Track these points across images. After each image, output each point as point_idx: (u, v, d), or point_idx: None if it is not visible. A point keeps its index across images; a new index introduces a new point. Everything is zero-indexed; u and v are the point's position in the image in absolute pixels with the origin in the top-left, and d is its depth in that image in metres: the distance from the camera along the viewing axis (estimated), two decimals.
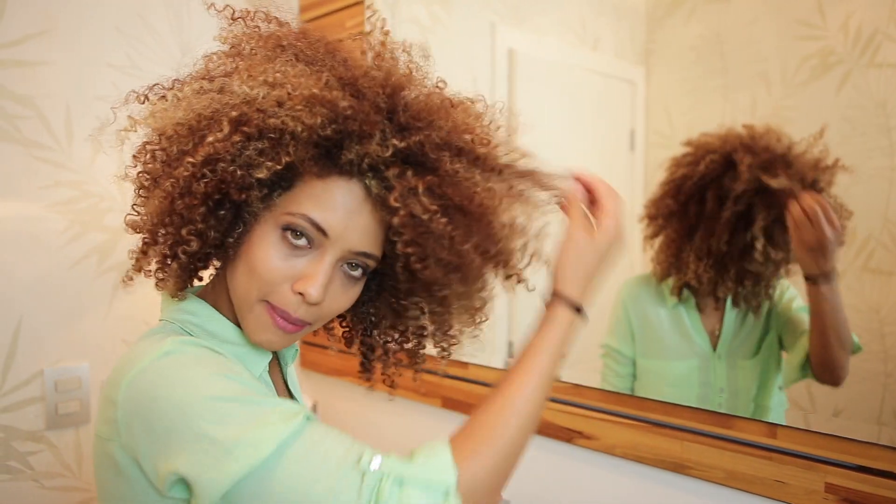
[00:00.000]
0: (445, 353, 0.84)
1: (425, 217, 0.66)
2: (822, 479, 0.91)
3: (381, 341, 0.85)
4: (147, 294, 1.58)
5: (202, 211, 0.66)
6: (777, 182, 1.02)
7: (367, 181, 0.67)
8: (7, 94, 1.38)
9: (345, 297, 0.72)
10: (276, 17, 0.75)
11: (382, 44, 0.74)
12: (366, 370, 0.88)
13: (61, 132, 1.45)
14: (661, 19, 1.21)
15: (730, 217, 1.08)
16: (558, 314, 0.74)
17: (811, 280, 0.99)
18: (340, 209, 0.67)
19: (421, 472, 0.60)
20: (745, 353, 1.12)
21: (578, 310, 0.75)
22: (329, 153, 0.66)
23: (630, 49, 1.28)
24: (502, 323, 1.46)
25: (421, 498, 0.59)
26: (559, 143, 1.39)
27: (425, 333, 0.83)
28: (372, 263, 0.72)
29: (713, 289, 1.13)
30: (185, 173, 0.65)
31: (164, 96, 0.71)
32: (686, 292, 1.17)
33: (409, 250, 0.68)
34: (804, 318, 1.03)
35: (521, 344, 0.74)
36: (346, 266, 0.71)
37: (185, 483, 0.62)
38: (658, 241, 1.18)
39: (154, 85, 0.74)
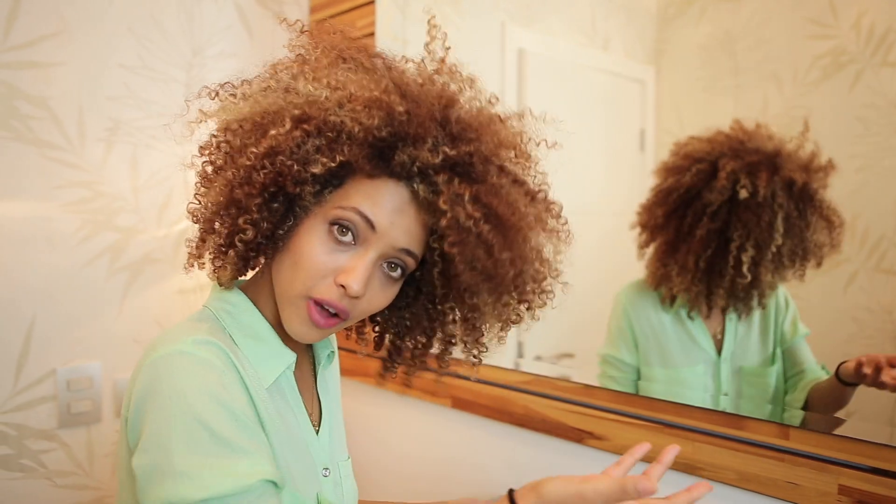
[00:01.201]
0: (476, 360, 0.85)
1: (469, 223, 0.69)
2: (836, 481, 0.90)
3: (411, 345, 0.87)
4: (159, 293, 1.59)
5: (258, 201, 0.70)
6: (747, 190, 1.02)
7: (415, 184, 0.71)
8: (20, 94, 1.39)
9: (383, 295, 0.76)
10: (342, 31, 0.79)
11: (441, 60, 0.78)
12: (388, 370, 0.90)
13: (73, 133, 1.46)
14: (672, 19, 1.21)
15: (705, 234, 1.07)
16: None
17: (846, 384, 0.97)
18: (388, 206, 0.71)
19: None
20: (750, 359, 1.11)
21: None
22: (382, 154, 0.70)
23: (640, 49, 1.28)
24: None
25: None
26: (569, 143, 1.39)
27: (454, 340, 0.85)
28: (412, 263, 0.75)
29: (705, 300, 1.12)
30: (247, 163, 0.69)
31: (233, 94, 0.75)
32: (679, 300, 1.16)
33: (454, 250, 0.71)
34: (804, 351, 1.04)
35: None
36: (386, 266, 0.74)
37: None
38: (650, 250, 1.18)
39: (225, 83, 0.77)
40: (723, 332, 1.14)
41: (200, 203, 0.76)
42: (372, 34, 1.62)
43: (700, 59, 1.16)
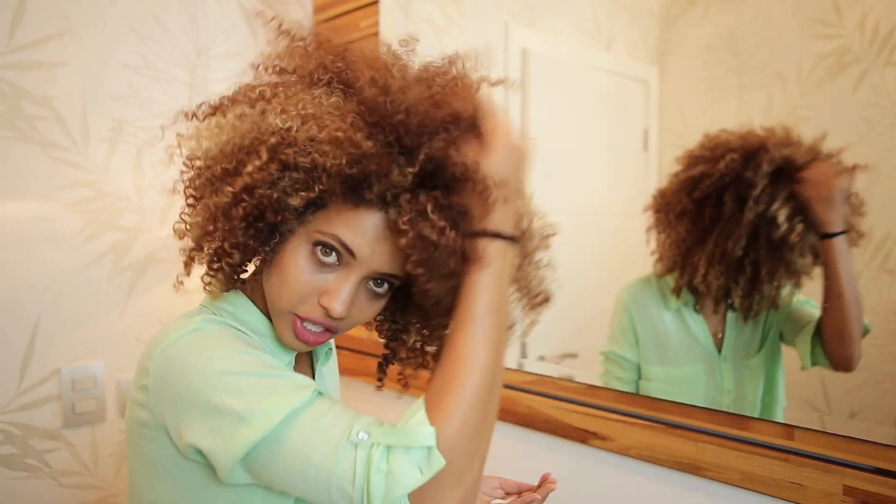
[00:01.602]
0: None
1: (434, 235, 0.68)
2: (840, 482, 0.90)
3: (408, 344, 0.87)
4: (161, 293, 1.59)
5: (242, 227, 0.71)
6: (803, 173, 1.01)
7: (389, 211, 0.70)
8: (25, 94, 1.39)
9: (369, 310, 0.77)
10: (328, 39, 0.77)
11: (393, 55, 0.75)
12: (382, 371, 0.91)
13: (77, 132, 1.46)
14: (675, 19, 1.21)
15: (752, 219, 1.05)
16: (482, 247, 0.69)
17: (826, 237, 0.99)
18: (369, 234, 0.71)
19: (402, 437, 0.63)
20: (749, 352, 1.11)
21: (503, 237, 0.70)
22: (357, 186, 0.69)
23: (644, 49, 1.28)
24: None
25: (405, 462, 0.62)
26: (572, 143, 1.39)
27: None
28: (396, 282, 0.76)
29: (723, 295, 1.11)
30: (225, 199, 0.69)
31: (212, 113, 0.75)
32: (685, 293, 1.16)
33: (418, 271, 0.70)
34: (807, 310, 1.03)
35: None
36: (371, 283, 0.74)
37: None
38: (664, 237, 1.16)
39: (202, 103, 0.77)
40: (723, 331, 1.14)
41: (186, 223, 0.77)
42: (375, 34, 1.62)
43: (704, 58, 1.16)
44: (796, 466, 0.94)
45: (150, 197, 1.57)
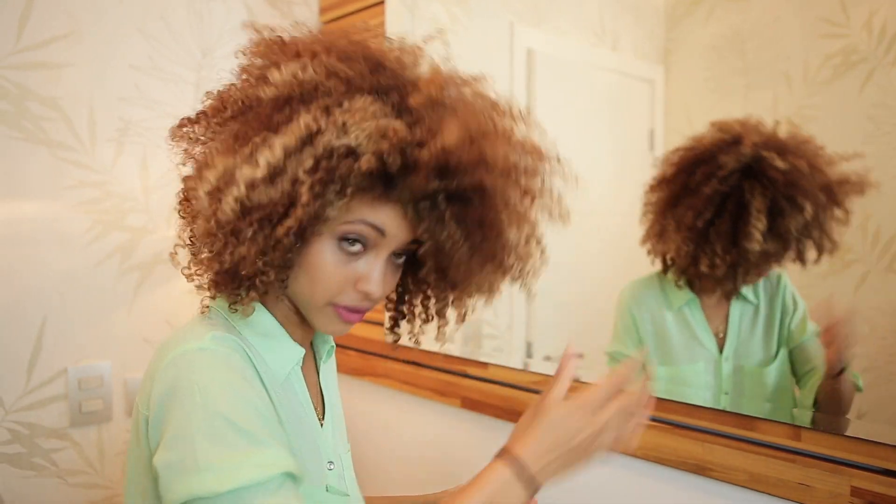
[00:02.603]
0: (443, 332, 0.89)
1: (449, 243, 0.74)
2: (848, 483, 0.90)
3: (413, 303, 0.90)
4: (169, 293, 1.60)
5: (285, 247, 0.71)
6: (782, 162, 1.01)
7: (407, 207, 0.73)
8: (33, 95, 1.40)
9: (393, 280, 0.80)
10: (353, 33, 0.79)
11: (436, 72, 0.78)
12: (395, 333, 0.93)
13: (84, 133, 1.47)
14: (681, 18, 1.20)
15: (711, 193, 1.07)
16: (498, 470, 0.74)
17: (831, 376, 1.01)
18: (392, 213, 0.74)
19: None
20: (752, 357, 1.11)
21: (525, 477, 0.74)
22: (386, 180, 0.71)
23: (649, 48, 1.28)
24: (521, 324, 1.46)
25: None
26: (578, 143, 1.39)
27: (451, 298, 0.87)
28: (415, 247, 0.79)
29: (692, 264, 1.12)
30: (280, 234, 0.69)
31: (218, 122, 0.77)
32: (686, 290, 1.17)
33: (429, 263, 0.77)
34: (814, 349, 1.04)
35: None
36: (393, 256, 0.78)
37: None
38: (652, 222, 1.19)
39: (200, 112, 0.81)
40: (725, 331, 1.14)
41: (216, 255, 0.74)
42: (381, 34, 1.62)
43: (709, 58, 1.16)
44: (803, 467, 0.94)
45: (157, 197, 1.57)
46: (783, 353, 1.08)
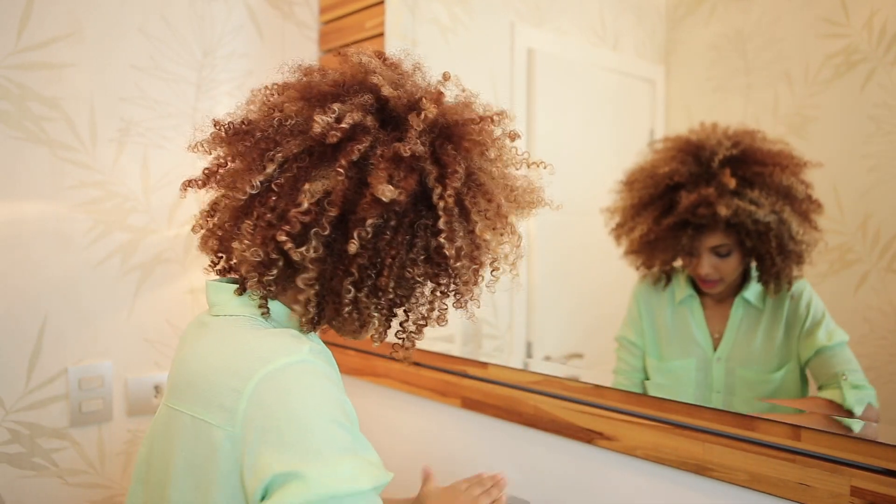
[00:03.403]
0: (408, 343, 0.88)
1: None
2: (848, 483, 0.90)
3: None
4: (170, 293, 1.60)
5: None
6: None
7: None
8: (34, 95, 1.40)
9: None
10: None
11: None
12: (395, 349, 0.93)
13: (85, 133, 1.47)
14: (682, 18, 1.20)
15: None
16: None
17: None
18: None
19: None
20: (749, 361, 1.11)
21: None
22: None
23: (650, 48, 1.28)
24: (521, 324, 1.46)
25: None
26: (578, 143, 1.39)
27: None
28: None
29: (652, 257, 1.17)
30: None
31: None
32: (688, 286, 1.17)
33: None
34: (837, 360, 1.01)
35: None
36: None
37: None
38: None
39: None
40: (722, 332, 1.14)
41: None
42: (381, 34, 1.62)
43: (710, 58, 1.16)
44: (804, 467, 0.94)
45: (159, 197, 1.57)
46: (792, 364, 1.06)
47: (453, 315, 0.84)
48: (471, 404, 1.41)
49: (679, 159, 1.09)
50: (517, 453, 1.33)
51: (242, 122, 0.81)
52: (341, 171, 0.73)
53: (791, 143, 1.04)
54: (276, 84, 0.83)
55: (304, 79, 0.82)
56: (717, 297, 1.15)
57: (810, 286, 1.05)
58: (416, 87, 0.81)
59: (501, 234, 0.79)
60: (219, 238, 0.83)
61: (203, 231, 0.85)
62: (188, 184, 0.84)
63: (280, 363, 0.69)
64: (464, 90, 0.84)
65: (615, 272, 1.27)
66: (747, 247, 1.06)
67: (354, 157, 0.73)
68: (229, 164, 0.82)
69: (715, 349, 1.14)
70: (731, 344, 1.12)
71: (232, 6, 1.68)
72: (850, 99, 0.98)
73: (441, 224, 0.74)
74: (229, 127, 0.81)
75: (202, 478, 0.71)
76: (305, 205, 0.73)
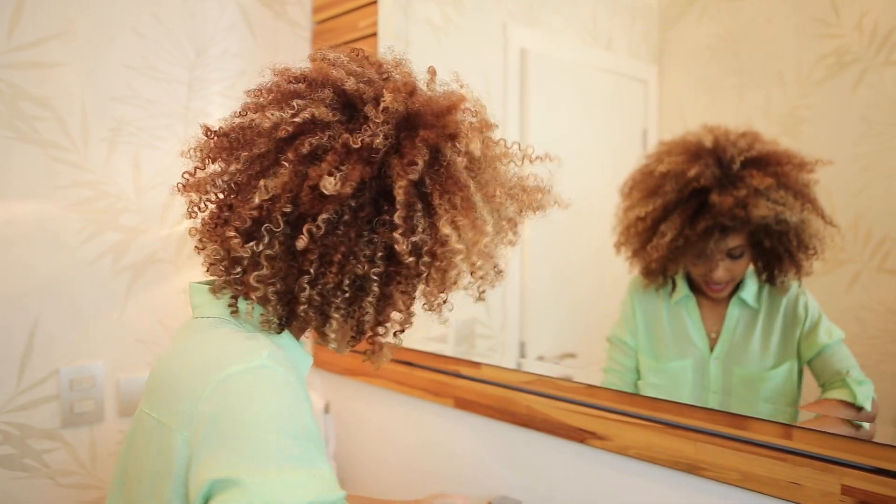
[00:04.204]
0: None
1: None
2: (839, 481, 0.90)
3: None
4: (162, 293, 1.59)
5: None
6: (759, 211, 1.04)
7: None
8: (25, 95, 1.39)
9: None
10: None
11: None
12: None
13: (77, 133, 1.46)
14: (675, 18, 1.20)
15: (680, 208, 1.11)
16: None
17: None
18: None
19: None
20: (746, 361, 1.11)
21: None
22: None
23: (643, 48, 1.28)
24: (514, 324, 1.46)
25: None
26: (571, 143, 1.39)
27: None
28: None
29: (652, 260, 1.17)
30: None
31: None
32: (684, 286, 1.17)
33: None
34: (836, 358, 1.01)
35: None
36: None
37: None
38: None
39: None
40: (718, 332, 1.14)
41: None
42: (374, 34, 1.62)
43: (703, 58, 1.16)
44: (795, 466, 0.94)
45: (151, 197, 1.57)
46: (791, 363, 1.06)
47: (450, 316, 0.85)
48: (464, 404, 1.41)
49: (703, 162, 1.09)
50: (510, 453, 1.33)
51: (225, 128, 0.80)
52: (286, 164, 0.71)
53: (784, 144, 1.05)
54: (257, 88, 0.82)
55: (275, 79, 0.81)
56: (714, 298, 1.16)
57: (804, 285, 1.06)
58: (391, 80, 0.78)
59: (470, 232, 0.73)
60: (200, 239, 0.82)
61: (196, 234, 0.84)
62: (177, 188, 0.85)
63: (237, 368, 0.67)
64: (462, 85, 0.81)
65: (609, 272, 1.27)
66: (764, 247, 1.06)
67: (305, 151, 0.71)
68: (208, 167, 0.81)
69: (711, 349, 1.14)
70: (728, 344, 1.12)
71: (224, 5, 1.68)
72: (842, 99, 0.98)
73: (395, 217, 0.71)
74: (215, 133, 0.81)
75: (159, 484, 0.70)
76: (256, 200, 0.71)
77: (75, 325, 1.47)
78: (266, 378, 0.68)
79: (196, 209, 0.81)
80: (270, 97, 0.78)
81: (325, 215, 0.70)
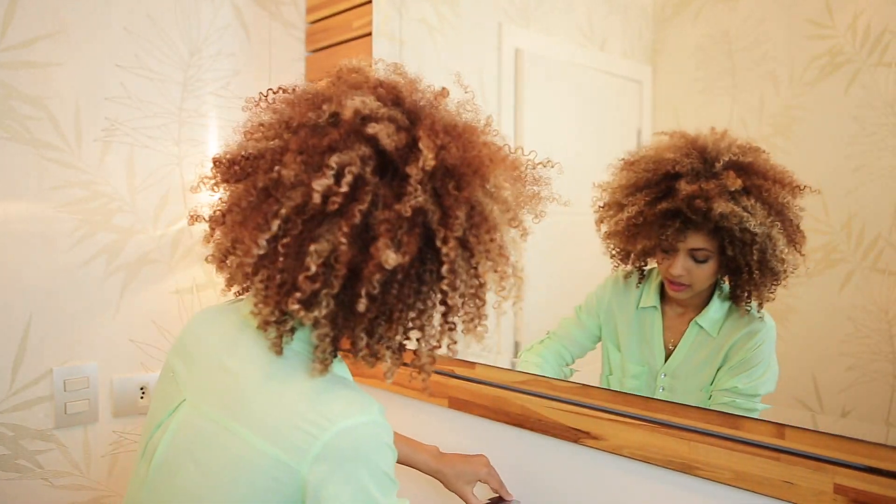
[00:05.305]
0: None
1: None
2: (831, 480, 0.90)
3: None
4: (155, 294, 1.59)
5: None
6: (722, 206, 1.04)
7: None
8: (17, 94, 1.39)
9: None
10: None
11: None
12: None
13: (70, 133, 1.46)
14: (669, 19, 1.21)
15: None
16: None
17: None
18: None
19: None
20: (689, 382, 1.12)
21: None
22: None
23: (637, 48, 1.28)
24: (508, 324, 1.46)
25: None
26: (566, 143, 1.39)
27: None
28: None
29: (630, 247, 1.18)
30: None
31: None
32: (654, 293, 1.18)
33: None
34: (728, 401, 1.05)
35: None
36: None
37: None
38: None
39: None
40: (676, 345, 1.14)
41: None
42: (368, 34, 1.62)
43: (697, 59, 1.16)
44: (788, 465, 0.94)
45: (144, 197, 1.56)
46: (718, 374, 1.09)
47: None
48: (458, 404, 1.41)
49: (685, 151, 1.09)
50: (504, 453, 1.33)
51: (242, 157, 0.81)
52: (344, 239, 0.72)
53: (777, 144, 1.05)
54: (271, 120, 0.82)
55: (293, 113, 0.81)
56: (678, 312, 1.16)
57: (774, 332, 1.06)
58: (420, 125, 0.78)
59: (503, 275, 0.80)
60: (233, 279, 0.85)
61: (225, 273, 0.85)
62: (196, 219, 0.87)
63: (356, 421, 0.77)
64: (466, 90, 0.84)
65: (602, 271, 1.27)
66: (727, 255, 1.05)
67: (357, 221, 0.72)
68: (232, 202, 0.82)
69: (665, 360, 1.15)
70: (679, 361, 1.13)
71: (218, 5, 1.68)
72: (835, 100, 0.98)
73: (444, 271, 0.75)
74: (230, 162, 0.82)
75: (232, 490, 0.77)
76: (313, 268, 0.72)
77: (69, 326, 1.47)
78: (382, 434, 0.79)
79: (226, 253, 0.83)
80: (296, 147, 0.76)
81: (379, 276, 0.73)
